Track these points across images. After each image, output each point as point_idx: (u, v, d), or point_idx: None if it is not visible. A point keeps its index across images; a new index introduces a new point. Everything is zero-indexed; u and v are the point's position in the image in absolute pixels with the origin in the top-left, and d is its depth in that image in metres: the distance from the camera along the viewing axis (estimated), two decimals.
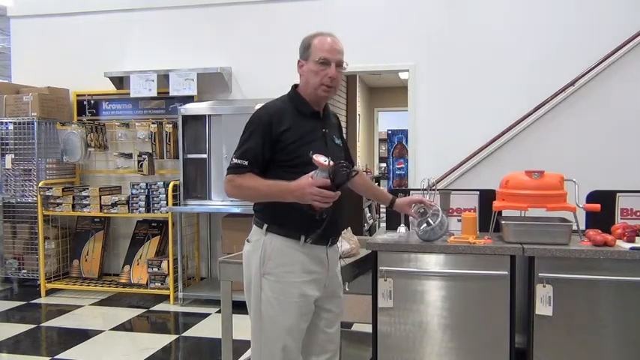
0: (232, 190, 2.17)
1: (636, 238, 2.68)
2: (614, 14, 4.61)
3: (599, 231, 2.71)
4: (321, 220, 2.08)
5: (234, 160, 2.15)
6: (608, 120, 4.63)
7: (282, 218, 2.15)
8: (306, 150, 2.12)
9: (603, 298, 2.59)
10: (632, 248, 2.55)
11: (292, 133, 2.16)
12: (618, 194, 2.95)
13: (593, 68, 4.59)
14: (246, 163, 2.13)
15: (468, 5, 4.92)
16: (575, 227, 2.76)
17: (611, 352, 2.59)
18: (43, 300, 5.22)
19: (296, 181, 2.05)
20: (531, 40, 4.78)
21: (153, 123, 5.43)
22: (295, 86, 2.30)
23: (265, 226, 2.17)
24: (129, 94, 5.41)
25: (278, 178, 2.12)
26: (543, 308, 2.60)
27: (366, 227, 4.91)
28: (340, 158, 2.22)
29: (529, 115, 4.71)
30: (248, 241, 2.27)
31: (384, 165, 11.85)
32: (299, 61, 2.26)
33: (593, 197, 2.91)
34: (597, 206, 2.76)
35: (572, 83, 4.63)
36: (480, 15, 4.89)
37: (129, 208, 5.23)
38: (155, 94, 5.37)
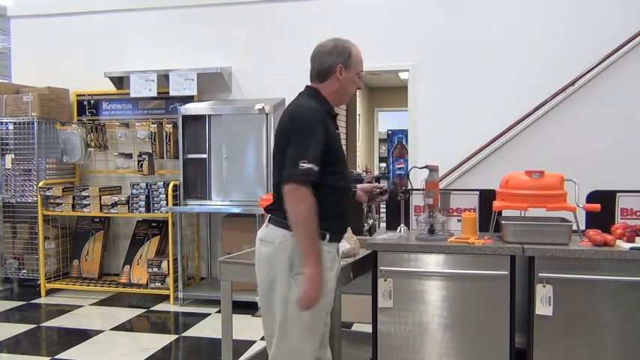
0: (297, 201, 2.06)
1: (636, 238, 2.68)
2: (613, 15, 4.61)
3: (599, 231, 2.71)
4: (343, 220, 2.27)
5: (305, 165, 2.04)
6: (608, 120, 4.63)
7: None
8: (340, 150, 2.26)
9: (603, 298, 2.59)
10: (632, 248, 2.55)
11: (332, 134, 2.23)
12: (618, 194, 2.95)
13: (593, 68, 4.59)
14: (317, 169, 2.07)
15: (468, 5, 4.92)
16: (575, 227, 2.76)
17: (611, 352, 2.59)
18: (43, 300, 5.22)
19: (319, 276, 2.08)
20: (531, 40, 4.78)
21: (153, 123, 5.43)
22: (313, 88, 2.31)
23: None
24: (129, 94, 5.41)
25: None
26: (543, 308, 2.60)
27: (366, 227, 4.91)
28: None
29: (529, 115, 4.71)
30: (264, 241, 2.24)
31: (384, 165, 11.86)
32: (340, 66, 2.27)
33: (593, 197, 2.91)
34: (597, 206, 2.76)
35: (572, 83, 4.63)
36: (480, 15, 4.89)
37: (129, 208, 5.23)
38: (155, 94, 5.37)
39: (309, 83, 2.35)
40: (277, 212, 2.21)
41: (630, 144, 4.57)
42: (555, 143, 4.69)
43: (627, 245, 2.60)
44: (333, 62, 2.26)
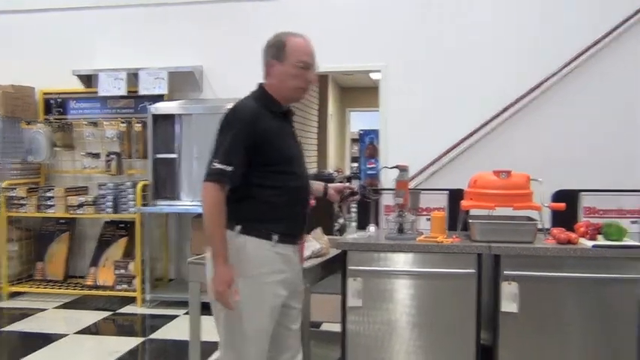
0: (207, 200, 2.07)
1: (598, 236, 2.74)
2: (577, 21, 4.71)
3: (563, 229, 2.77)
4: (294, 221, 2.18)
5: (217, 165, 2.05)
6: (572, 122, 4.73)
7: (255, 220, 2.13)
8: (284, 150, 2.17)
9: (567, 294, 2.64)
10: (594, 246, 2.61)
11: (270, 133, 2.15)
12: (581, 193, 3.02)
13: (558, 72, 4.69)
14: (230, 169, 2.05)
15: (438, 8, 4.97)
16: (540, 226, 2.80)
17: (575, 348, 2.64)
18: (5, 304, 5.07)
19: (227, 267, 2.06)
20: (500, 43, 4.85)
21: (122, 122, 5.34)
22: (261, 85, 2.27)
23: (238, 227, 2.13)
24: (97, 92, 5.31)
25: (258, 180, 2.12)
26: (509, 305, 2.64)
27: (337, 227, 4.92)
28: (302, 155, 2.31)
29: (497, 116, 4.78)
30: None
31: (355, 165, 11.91)
32: (269, 61, 2.23)
33: (557, 196, 2.97)
34: (562, 205, 2.82)
35: (538, 86, 4.72)
36: (450, 18, 4.95)
37: (96, 209, 5.14)
38: (124, 93, 5.29)
39: None
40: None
41: (593, 145, 4.68)
42: (522, 144, 4.77)
43: (590, 243, 2.65)
44: (267, 59, 2.23)
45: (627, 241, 2.67)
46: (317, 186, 2.62)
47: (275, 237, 2.14)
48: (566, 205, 2.83)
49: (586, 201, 3.00)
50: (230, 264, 2.08)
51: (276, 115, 2.21)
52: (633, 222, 2.92)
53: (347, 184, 2.86)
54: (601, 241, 2.69)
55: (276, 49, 2.21)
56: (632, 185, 3.00)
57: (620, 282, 2.58)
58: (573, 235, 2.69)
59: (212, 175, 2.06)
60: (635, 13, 4.60)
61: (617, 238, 2.68)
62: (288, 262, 2.21)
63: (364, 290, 2.77)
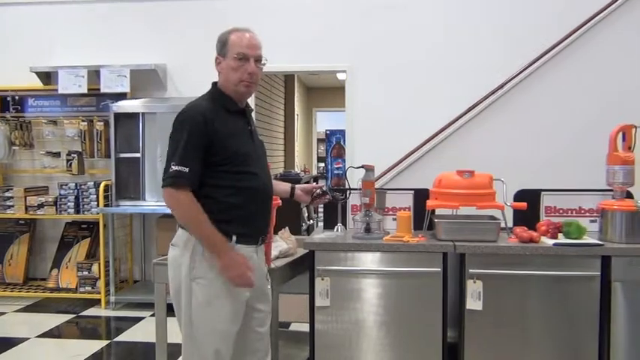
0: (174, 206, 2.07)
1: (559, 234, 2.82)
2: (538, 23, 4.83)
3: (526, 228, 2.84)
4: (252, 221, 2.18)
5: (175, 167, 2.03)
6: (533, 123, 4.85)
7: (212, 220, 2.09)
8: (239, 149, 2.14)
9: (529, 291, 2.71)
10: (555, 244, 2.69)
11: (225, 132, 2.13)
12: (543, 193, 3.10)
13: (520, 73, 4.80)
14: (187, 170, 2.04)
15: (404, 9, 5.02)
16: (503, 225, 2.87)
17: (537, 344, 2.72)
18: None
19: (234, 252, 2.09)
20: (465, 45, 4.94)
21: (83, 121, 5.23)
22: (215, 84, 2.26)
23: None
24: (57, 90, 5.18)
25: (213, 180, 2.10)
26: (473, 303, 2.69)
27: (304, 227, 4.92)
28: (264, 153, 2.32)
29: (461, 116, 4.87)
30: (173, 244, 2.20)
31: (322, 165, 11.93)
32: (217, 58, 2.23)
33: (519, 196, 3.04)
34: (524, 204, 2.89)
35: (501, 87, 4.82)
36: (416, 19, 5.01)
37: (57, 210, 5.03)
38: (85, 91, 5.16)
39: None
40: None
41: (554, 146, 4.81)
42: (485, 144, 4.87)
43: (551, 241, 2.73)
44: (216, 56, 2.24)
45: (586, 240, 2.76)
46: (283, 187, 2.61)
47: (233, 238, 2.12)
48: (528, 205, 2.91)
49: (547, 200, 3.08)
50: (232, 248, 2.09)
51: (231, 114, 2.20)
52: (592, 221, 3.01)
53: (314, 184, 2.86)
54: (561, 239, 2.77)
55: (221, 45, 2.22)
56: (591, 185, 3.10)
57: (580, 279, 2.67)
58: (535, 234, 2.76)
59: (170, 179, 2.05)
60: (600, 12, 4.73)
61: (576, 236, 2.76)
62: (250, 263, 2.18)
63: (332, 290, 2.78)
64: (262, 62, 2.24)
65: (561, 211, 3.08)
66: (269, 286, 2.39)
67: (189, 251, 2.11)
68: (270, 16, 5.10)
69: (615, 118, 3.15)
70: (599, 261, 2.65)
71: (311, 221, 4.94)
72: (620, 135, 2.83)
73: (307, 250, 2.83)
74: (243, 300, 2.17)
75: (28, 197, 5.04)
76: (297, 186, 2.66)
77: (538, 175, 4.52)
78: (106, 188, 4.89)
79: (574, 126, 4.79)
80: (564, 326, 2.69)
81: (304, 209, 4.94)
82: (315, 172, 11.67)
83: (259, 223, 2.25)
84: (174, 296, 2.19)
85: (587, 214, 3.05)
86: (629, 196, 2.92)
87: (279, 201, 2.61)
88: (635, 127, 2.82)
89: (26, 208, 5.03)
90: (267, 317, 2.35)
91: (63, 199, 5.03)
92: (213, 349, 2.12)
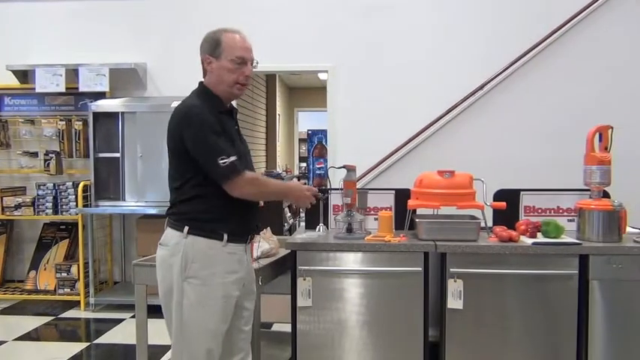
0: (254, 190, 2.16)
1: (538, 233, 2.86)
2: (519, 26, 4.89)
3: (505, 227, 2.88)
4: (245, 219, 2.21)
5: (229, 159, 2.06)
6: (513, 124, 4.91)
7: (203, 219, 2.11)
8: (236, 150, 2.15)
9: (509, 290, 2.75)
10: (534, 243, 2.72)
11: (226, 130, 2.16)
12: (522, 193, 3.14)
13: (502, 73, 4.85)
14: (235, 158, 2.08)
15: (387, 10, 5.04)
16: (483, 224, 2.90)
17: (517, 342, 2.75)
18: None
19: (292, 182, 2.39)
20: (445, 46, 4.98)
21: (61, 120, 5.16)
22: (202, 83, 2.26)
23: (186, 228, 2.11)
24: (34, 88, 5.10)
25: (202, 179, 2.11)
26: (454, 302, 2.72)
27: (286, 227, 4.91)
28: (249, 152, 2.36)
29: (441, 117, 4.90)
30: (162, 244, 2.20)
31: (304, 165, 11.93)
32: (207, 58, 2.21)
33: (499, 196, 3.07)
34: (503, 204, 2.93)
35: (481, 87, 4.87)
36: (397, 19, 5.03)
37: (34, 210, 4.96)
38: (63, 90, 5.09)
39: None
40: (173, 215, 2.18)
41: (532, 146, 4.88)
42: (465, 145, 4.91)
43: (530, 240, 2.77)
44: (202, 55, 2.23)
45: (565, 239, 2.80)
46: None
47: (225, 236, 2.13)
48: (508, 204, 2.94)
49: (526, 200, 3.12)
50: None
51: (220, 113, 2.20)
52: (570, 220, 3.06)
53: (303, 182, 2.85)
54: (540, 238, 2.81)
55: (212, 45, 2.20)
56: (569, 185, 3.14)
57: (559, 277, 2.71)
58: (514, 233, 2.80)
59: (230, 174, 2.08)
60: (582, 12, 4.79)
61: (555, 235, 2.81)
62: (240, 261, 2.21)
63: (314, 290, 2.79)
64: (254, 64, 2.27)
65: (540, 211, 3.12)
66: (255, 284, 2.39)
67: (181, 251, 2.11)
68: (252, 15, 5.08)
69: (595, 119, 3.20)
70: (577, 260, 2.69)
71: (291, 221, 4.93)
72: (597, 135, 2.88)
73: (289, 251, 2.83)
74: (233, 298, 2.18)
75: (4, 198, 4.97)
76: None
77: (518, 175, 4.56)
78: (85, 188, 4.82)
79: (553, 127, 4.86)
80: (543, 324, 2.73)
81: (286, 209, 4.93)
82: (296, 172, 11.65)
83: (249, 221, 2.26)
84: (163, 297, 2.19)
85: (566, 214, 3.10)
86: (606, 195, 2.97)
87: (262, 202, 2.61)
88: (612, 127, 2.87)
89: (3, 208, 4.95)
90: (252, 316, 2.37)
91: (41, 200, 4.96)
92: (205, 349, 2.12)
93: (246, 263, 2.26)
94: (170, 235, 2.17)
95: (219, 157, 2.05)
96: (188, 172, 2.12)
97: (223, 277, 2.14)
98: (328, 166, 3.03)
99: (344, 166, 2.97)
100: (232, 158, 2.07)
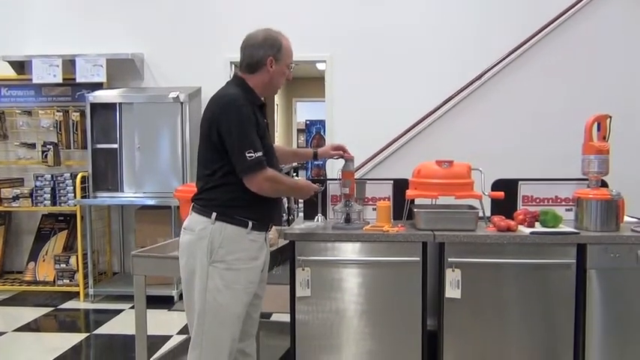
0: (271, 187, 2.19)
1: (536, 223, 2.87)
2: (515, 16, 4.88)
3: (503, 217, 2.88)
4: (269, 209, 2.29)
5: (255, 155, 2.12)
6: (511, 114, 4.91)
7: (231, 206, 2.18)
8: (264, 139, 2.23)
9: (507, 279, 2.75)
10: (532, 233, 2.73)
11: (261, 126, 2.23)
12: (520, 182, 3.14)
13: (498, 63, 4.85)
14: (261, 154, 2.13)
15: (384, 1, 5.03)
16: (481, 214, 2.90)
17: (515, 331, 2.76)
18: None
19: (303, 180, 2.51)
20: (444, 35, 4.97)
21: (58, 111, 5.14)
22: (240, 78, 2.29)
23: (214, 214, 2.16)
24: (31, 79, 5.08)
25: (233, 168, 2.16)
26: (452, 291, 2.73)
27: (285, 217, 4.91)
28: (272, 146, 2.39)
29: (439, 107, 4.90)
30: (186, 229, 2.24)
31: None
32: (267, 58, 2.26)
33: (497, 185, 3.07)
34: (501, 194, 2.93)
35: (479, 77, 4.87)
36: (396, 9, 5.01)
37: (32, 202, 4.96)
38: (60, 81, 5.08)
39: (230, 72, 2.35)
40: (200, 201, 2.23)
41: (530, 136, 4.88)
42: (464, 134, 4.92)
43: (528, 230, 2.77)
44: (263, 55, 2.26)
45: (562, 228, 2.81)
46: (305, 152, 2.95)
47: (250, 224, 2.19)
48: (506, 194, 2.94)
49: (524, 190, 3.12)
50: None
51: (257, 107, 2.26)
52: (568, 209, 3.06)
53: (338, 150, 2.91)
54: (538, 228, 2.81)
55: (275, 48, 2.28)
56: (567, 175, 3.15)
57: (557, 267, 2.71)
58: (512, 223, 2.80)
59: (255, 167, 2.13)
60: (573, 6, 4.79)
61: (553, 225, 2.81)
62: (261, 249, 2.28)
63: (313, 280, 2.79)
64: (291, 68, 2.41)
65: (538, 200, 3.12)
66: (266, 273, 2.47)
67: (207, 236, 2.16)
68: (250, 6, 5.05)
69: (592, 108, 3.20)
70: (575, 249, 2.70)
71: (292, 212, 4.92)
72: (595, 125, 2.88)
73: (288, 241, 2.83)
74: (255, 284, 2.26)
75: (2, 189, 4.96)
76: (319, 150, 2.85)
77: (515, 164, 4.57)
78: (83, 180, 4.82)
79: (551, 117, 4.86)
80: (541, 313, 2.73)
81: (285, 200, 4.94)
82: (295, 163, 11.63)
83: (272, 211, 2.34)
84: (187, 282, 2.22)
85: (564, 203, 3.10)
86: (604, 185, 2.97)
87: None
88: (610, 117, 2.87)
89: (1, 200, 4.94)
90: (261, 303, 2.44)
91: (39, 191, 4.96)
92: (229, 333, 2.19)
93: (265, 251, 2.34)
94: (196, 220, 2.21)
95: (247, 150, 2.11)
96: (220, 160, 2.17)
97: (247, 263, 2.21)
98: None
99: (342, 157, 2.96)
100: (259, 154, 2.13)
